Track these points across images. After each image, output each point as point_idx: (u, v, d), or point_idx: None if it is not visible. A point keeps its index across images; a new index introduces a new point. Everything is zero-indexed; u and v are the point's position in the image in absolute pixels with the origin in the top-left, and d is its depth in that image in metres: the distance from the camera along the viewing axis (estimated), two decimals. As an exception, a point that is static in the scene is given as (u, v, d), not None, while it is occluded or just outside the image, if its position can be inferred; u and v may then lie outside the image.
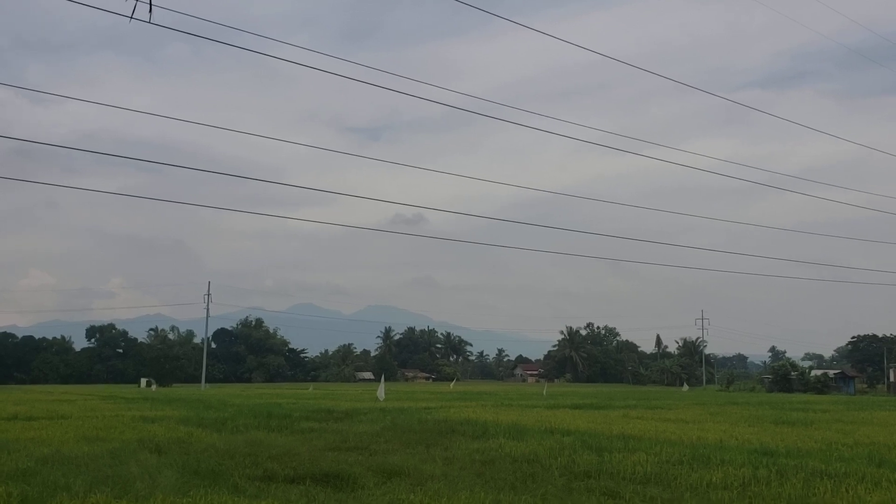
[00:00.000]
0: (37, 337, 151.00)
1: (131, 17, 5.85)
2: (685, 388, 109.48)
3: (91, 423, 22.81)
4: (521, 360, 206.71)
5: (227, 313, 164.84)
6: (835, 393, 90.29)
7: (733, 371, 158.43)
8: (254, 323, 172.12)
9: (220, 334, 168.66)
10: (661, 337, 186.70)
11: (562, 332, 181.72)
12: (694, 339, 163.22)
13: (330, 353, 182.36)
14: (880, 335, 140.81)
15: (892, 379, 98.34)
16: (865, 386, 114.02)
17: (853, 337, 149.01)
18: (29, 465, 12.74)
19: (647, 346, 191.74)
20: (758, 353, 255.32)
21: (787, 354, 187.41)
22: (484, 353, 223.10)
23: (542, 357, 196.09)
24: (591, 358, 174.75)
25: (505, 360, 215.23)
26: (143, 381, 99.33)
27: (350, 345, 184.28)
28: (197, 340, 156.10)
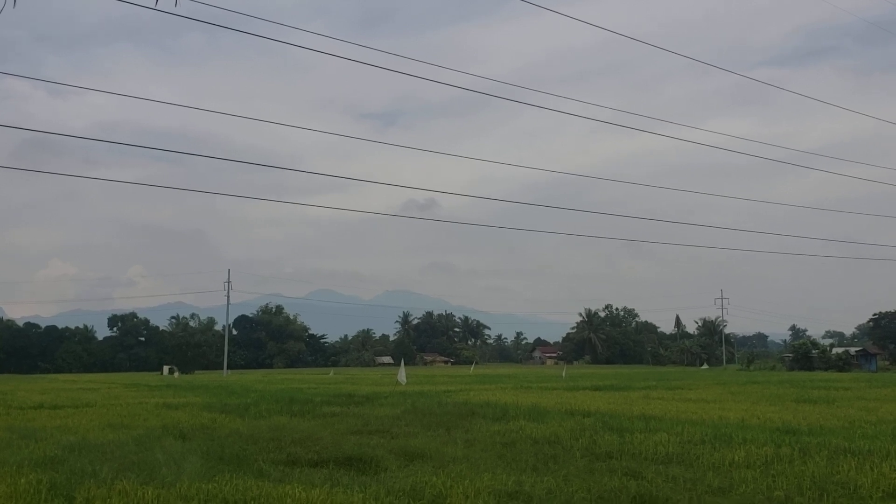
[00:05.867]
0: (59, 326, 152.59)
1: (155, 7, 5.86)
2: (704, 367, 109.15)
3: (115, 410, 23.08)
4: (540, 343, 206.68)
5: (248, 300, 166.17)
6: (856, 370, 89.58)
7: (753, 350, 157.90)
8: (274, 309, 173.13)
9: (241, 321, 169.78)
10: (681, 317, 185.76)
11: (580, 314, 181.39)
12: (713, 318, 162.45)
13: (349, 338, 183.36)
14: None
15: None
16: (888, 363, 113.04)
17: (874, 314, 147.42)
18: (56, 452, 12.90)
19: (667, 327, 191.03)
20: (778, 331, 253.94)
21: (807, 333, 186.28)
22: (502, 337, 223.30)
23: (560, 339, 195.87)
24: (609, 339, 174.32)
25: (523, 342, 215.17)
26: (166, 368, 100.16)
27: (369, 330, 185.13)
28: (218, 327, 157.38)
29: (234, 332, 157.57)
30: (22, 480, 9.77)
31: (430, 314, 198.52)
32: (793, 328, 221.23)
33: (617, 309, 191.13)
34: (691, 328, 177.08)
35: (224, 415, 20.91)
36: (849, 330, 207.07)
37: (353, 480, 10.19)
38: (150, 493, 9.06)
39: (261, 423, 18.27)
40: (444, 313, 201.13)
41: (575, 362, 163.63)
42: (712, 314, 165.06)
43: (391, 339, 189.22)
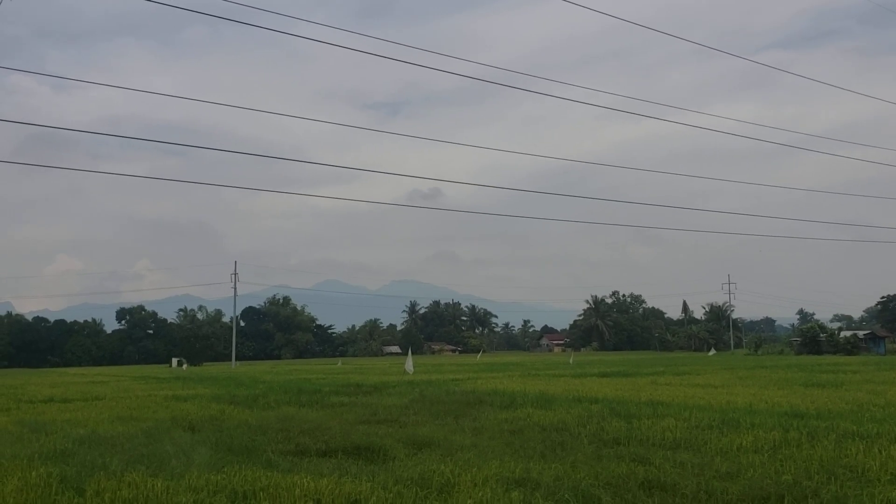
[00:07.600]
0: (68, 320, 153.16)
1: (154, 0, 5.86)
2: (712, 352, 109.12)
3: (125, 403, 23.18)
4: (547, 331, 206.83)
5: (255, 292, 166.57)
6: (865, 354, 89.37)
7: (761, 335, 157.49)
8: (281, 301, 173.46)
9: (249, 313, 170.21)
10: (688, 303, 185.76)
11: (587, 301, 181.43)
12: (721, 303, 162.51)
13: (357, 328, 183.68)
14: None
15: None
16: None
17: (882, 297, 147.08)
18: (66, 445, 12.97)
19: (674, 313, 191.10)
20: (786, 315, 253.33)
21: (815, 316, 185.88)
22: (509, 325, 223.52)
23: (567, 327, 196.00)
24: (617, 326, 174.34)
25: (530, 330, 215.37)
26: (174, 360, 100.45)
27: (376, 320, 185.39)
28: (225, 319, 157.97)
29: (242, 323, 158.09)
30: (33, 474, 9.83)
31: (436, 303, 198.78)
32: (801, 312, 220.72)
33: (624, 295, 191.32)
34: (699, 313, 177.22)
35: (233, 406, 20.98)
36: (857, 313, 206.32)
37: (361, 469, 10.23)
38: (159, 484, 9.11)
39: (269, 414, 18.34)
40: (450, 302, 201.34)
41: (582, 349, 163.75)
42: (720, 299, 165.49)
43: (398, 328, 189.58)
